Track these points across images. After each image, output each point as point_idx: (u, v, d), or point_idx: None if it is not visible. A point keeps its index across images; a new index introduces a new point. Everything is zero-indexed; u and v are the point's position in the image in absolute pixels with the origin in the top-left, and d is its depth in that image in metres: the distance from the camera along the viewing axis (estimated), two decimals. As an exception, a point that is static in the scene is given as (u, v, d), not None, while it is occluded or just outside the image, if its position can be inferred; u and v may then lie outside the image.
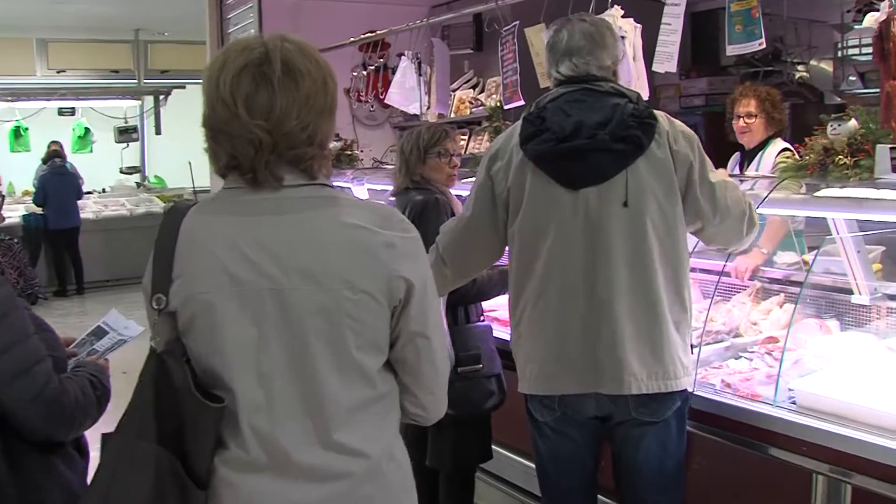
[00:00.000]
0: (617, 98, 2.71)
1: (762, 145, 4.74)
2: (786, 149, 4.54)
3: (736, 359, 3.32)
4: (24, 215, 11.60)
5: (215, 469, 1.77)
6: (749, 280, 3.84)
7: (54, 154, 11.85)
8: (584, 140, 2.65)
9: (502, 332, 3.93)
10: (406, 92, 6.37)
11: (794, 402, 2.83)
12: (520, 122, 2.81)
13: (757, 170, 4.59)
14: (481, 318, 3.75)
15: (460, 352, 3.54)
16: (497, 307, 4.25)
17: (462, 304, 3.61)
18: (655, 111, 2.70)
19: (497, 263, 3.93)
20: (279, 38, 1.80)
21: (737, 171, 4.73)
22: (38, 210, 11.52)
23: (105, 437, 1.81)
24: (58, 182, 11.56)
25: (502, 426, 3.73)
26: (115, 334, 2.55)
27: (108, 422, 1.99)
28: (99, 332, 2.53)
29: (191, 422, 1.75)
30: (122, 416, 1.80)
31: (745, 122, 4.75)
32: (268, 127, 1.74)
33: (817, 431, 2.66)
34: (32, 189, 12.14)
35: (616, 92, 2.74)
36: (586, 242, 2.66)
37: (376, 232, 1.79)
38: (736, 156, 4.93)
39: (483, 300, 3.72)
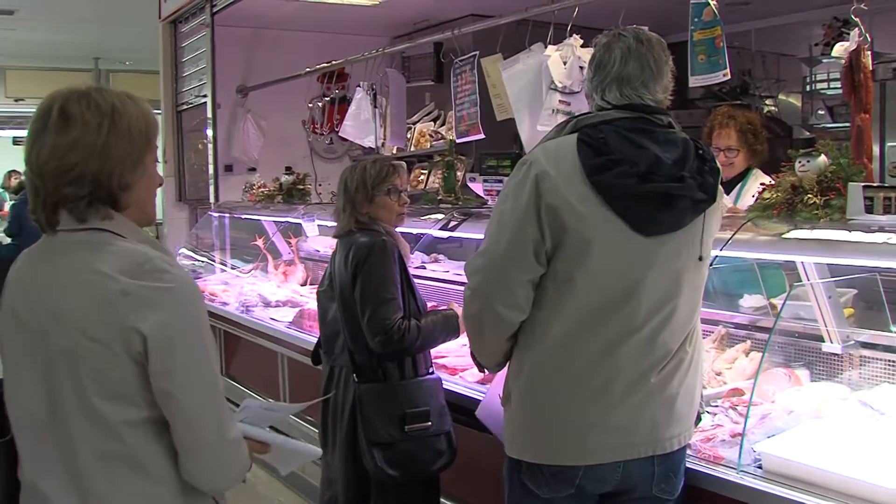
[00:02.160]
0: (679, 133, 2.42)
1: (742, 175, 4.41)
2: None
3: (699, 413, 3.06)
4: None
5: None
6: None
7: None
8: (672, 182, 2.31)
9: (452, 384, 3.69)
10: (361, 124, 6.15)
11: (759, 467, 2.58)
12: (567, 140, 2.37)
13: (735, 203, 4.23)
14: (430, 369, 3.48)
15: (407, 408, 3.28)
16: (447, 353, 3.99)
17: (408, 356, 3.34)
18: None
19: (441, 306, 3.68)
20: (77, 91, 1.88)
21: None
22: (7, 239, 11.11)
23: None
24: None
25: (452, 479, 3.47)
26: None
27: None
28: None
29: None
30: None
31: (726, 157, 4.36)
32: (36, 170, 1.85)
33: (786, 502, 2.41)
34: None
35: (672, 127, 2.43)
36: (657, 294, 2.35)
37: (116, 279, 1.78)
38: None
39: (428, 349, 3.44)
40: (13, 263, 1.96)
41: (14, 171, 12.26)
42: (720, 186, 2.46)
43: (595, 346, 2.35)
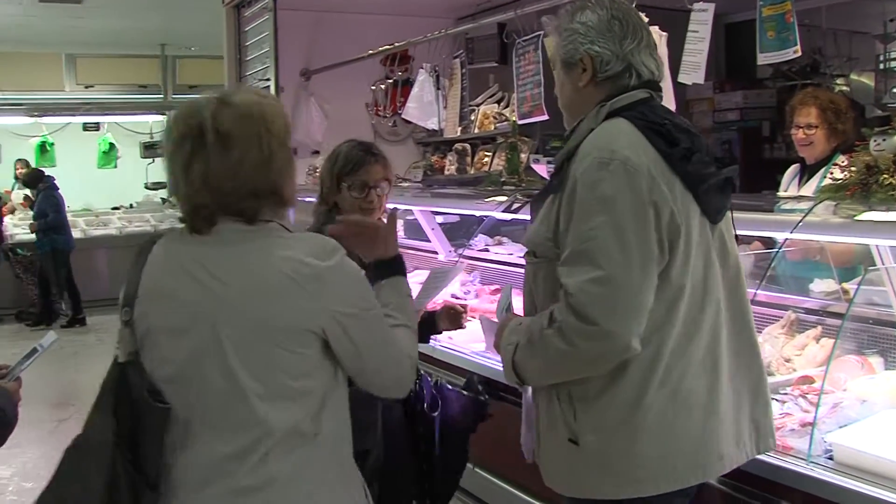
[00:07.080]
0: None
1: (826, 160, 4.26)
2: None
3: (767, 401, 2.98)
4: (44, 239, 10.81)
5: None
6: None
7: (41, 173, 11.43)
8: (728, 167, 2.24)
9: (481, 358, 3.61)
10: (424, 106, 6.14)
11: (831, 458, 2.50)
12: (622, 128, 2.11)
13: (818, 187, 3.96)
14: None
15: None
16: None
17: None
18: None
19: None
20: (216, 102, 1.90)
21: (794, 187, 4.36)
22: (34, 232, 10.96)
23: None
24: (61, 200, 11.08)
25: (484, 448, 3.38)
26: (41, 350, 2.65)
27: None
28: (31, 354, 2.58)
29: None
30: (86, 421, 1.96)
31: (805, 134, 4.29)
32: (207, 191, 1.88)
33: (858, 495, 2.33)
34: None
35: None
36: (731, 286, 2.26)
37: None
38: (794, 168, 4.50)
39: None
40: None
41: (21, 159, 12.41)
42: None
43: (697, 354, 2.16)
